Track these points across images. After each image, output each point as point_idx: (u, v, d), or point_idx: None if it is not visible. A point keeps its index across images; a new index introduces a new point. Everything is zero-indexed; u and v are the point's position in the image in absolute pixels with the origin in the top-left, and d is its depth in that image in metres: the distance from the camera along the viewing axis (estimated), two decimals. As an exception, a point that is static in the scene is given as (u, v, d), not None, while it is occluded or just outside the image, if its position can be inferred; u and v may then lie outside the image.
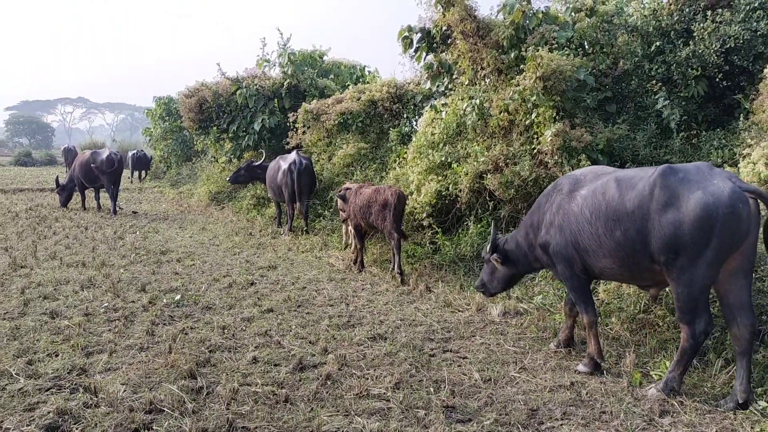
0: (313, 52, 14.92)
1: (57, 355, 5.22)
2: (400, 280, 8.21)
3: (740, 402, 4.36)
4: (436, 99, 11.76)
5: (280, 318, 6.52)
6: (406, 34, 10.85)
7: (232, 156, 16.16)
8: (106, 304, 6.81)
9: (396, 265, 8.38)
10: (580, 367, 5.16)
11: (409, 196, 9.56)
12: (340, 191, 10.61)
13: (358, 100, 12.48)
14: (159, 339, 5.73)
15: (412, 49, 10.98)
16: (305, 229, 11.81)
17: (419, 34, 10.82)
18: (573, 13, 9.63)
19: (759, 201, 4.37)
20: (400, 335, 5.95)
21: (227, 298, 7.27)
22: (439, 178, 9.16)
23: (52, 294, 7.20)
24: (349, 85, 15.40)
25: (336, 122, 12.23)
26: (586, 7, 9.45)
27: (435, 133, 9.87)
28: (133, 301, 7.01)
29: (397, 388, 4.67)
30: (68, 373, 4.84)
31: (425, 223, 9.15)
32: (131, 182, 25.84)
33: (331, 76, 15.70)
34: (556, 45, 8.83)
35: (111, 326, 6.08)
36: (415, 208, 9.31)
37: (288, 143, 13.52)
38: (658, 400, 4.49)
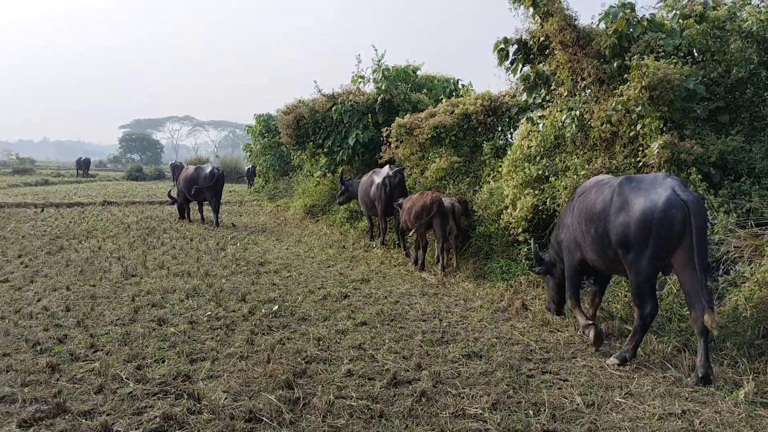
0: (406, 67, 15.04)
1: (164, 361, 5.46)
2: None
3: (700, 376, 5.00)
4: (532, 111, 11.49)
5: (373, 331, 6.52)
6: (502, 46, 10.70)
7: (326, 170, 16.51)
8: (209, 313, 7.08)
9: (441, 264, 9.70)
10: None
11: (504, 211, 9.38)
12: (398, 201, 10.87)
13: (452, 113, 12.40)
14: (258, 348, 5.87)
15: (508, 61, 10.81)
16: (398, 243, 11.83)
17: (515, 46, 10.65)
18: (681, 20, 9.15)
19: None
20: (495, 354, 5.79)
21: (322, 310, 7.36)
22: (536, 192, 8.91)
23: (159, 302, 7.57)
24: (442, 98, 15.38)
25: (429, 136, 12.21)
26: (695, 14, 8.94)
27: (531, 146, 9.62)
28: (234, 311, 7.25)
29: (495, 409, 4.52)
30: (174, 378, 5.04)
31: (521, 238, 8.93)
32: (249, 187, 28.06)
33: (424, 90, 15.76)
34: (663, 53, 8.39)
35: (213, 334, 6.30)
36: (510, 223, 9.11)
37: (381, 157, 13.64)
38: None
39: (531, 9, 9.79)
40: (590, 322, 6.11)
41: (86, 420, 4.27)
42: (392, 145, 13.15)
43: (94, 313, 7.00)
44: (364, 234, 13.79)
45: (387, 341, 6.17)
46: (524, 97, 11.44)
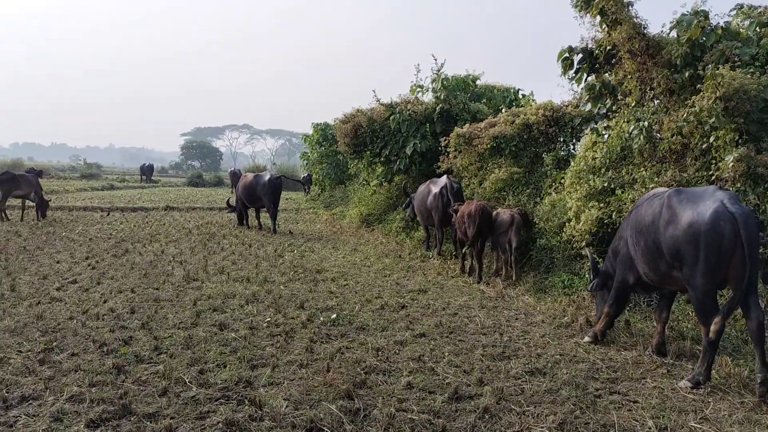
0: (466, 77, 14.92)
1: (225, 366, 5.50)
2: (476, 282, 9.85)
3: (760, 381, 4.91)
4: (596, 122, 11.20)
5: (432, 343, 6.42)
6: (566, 55, 10.47)
7: (383, 180, 16.53)
8: (269, 319, 7.13)
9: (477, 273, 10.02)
10: (585, 339, 6.61)
11: (567, 224, 9.14)
12: (453, 207, 10.80)
13: (512, 123, 12.21)
14: (317, 357, 5.85)
15: (572, 71, 10.57)
16: (455, 253, 11.70)
17: (580, 55, 10.40)
18: (758, 28, 8.75)
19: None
20: (560, 371, 5.59)
21: (380, 320, 7.31)
22: (601, 204, 8.64)
23: (220, 307, 7.68)
24: (502, 108, 15.19)
25: (488, 146, 12.05)
26: (773, 21, 8.54)
27: (596, 157, 9.36)
28: (293, 318, 7.28)
29: (561, 430, 4.36)
30: (235, 384, 5.08)
31: (584, 252, 8.68)
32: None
33: (483, 100, 15.61)
34: (739, 62, 8.03)
35: (273, 341, 6.33)
36: (573, 236, 8.86)
37: (439, 167, 13.55)
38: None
39: (598, 17, 9.55)
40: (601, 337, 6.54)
41: (151, 423, 4.33)
42: (450, 155, 13.04)
43: (158, 316, 7.15)
44: (420, 244, 13.71)
45: (447, 354, 6.06)
46: (588, 107, 11.15)
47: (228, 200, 17.96)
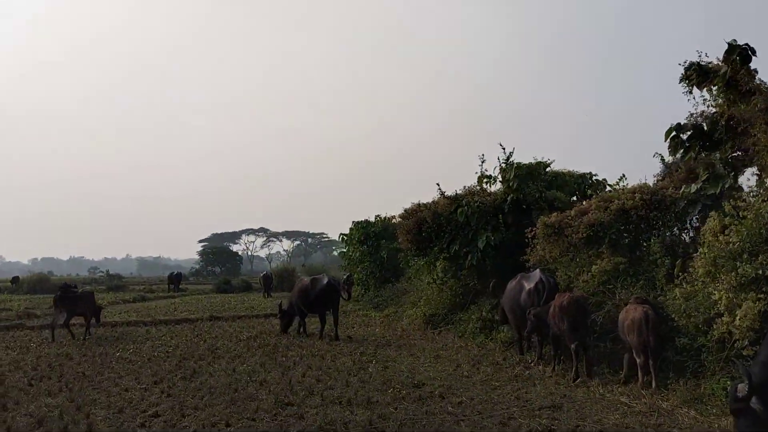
0: (537, 164, 14.20)
1: None
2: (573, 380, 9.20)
3: None
4: (706, 203, 10.28)
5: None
6: (674, 133, 9.67)
7: (450, 277, 15.43)
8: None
9: (573, 372, 9.35)
10: None
11: (716, 319, 7.96)
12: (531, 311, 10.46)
13: (605, 210, 11.26)
14: None
15: (682, 150, 9.74)
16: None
17: (690, 131, 9.60)
18: None
19: None
20: None
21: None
22: (760, 295, 7.51)
23: (341, 441, 6.44)
24: (576, 195, 14.34)
25: (584, 235, 11.04)
26: None
27: (733, 242, 8.31)
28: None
29: None
30: None
31: (746, 352, 7.45)
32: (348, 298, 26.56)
33: (554, 188, 14.78)
34: None
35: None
36: (727, 334, 7.67)
37: (527, 260, 12.50)
38: None
39: (713, 90, 8.82)
40: None
41: None
42: (538, 247, 12.02)
43: (277, 459, 5.91)
44: (506, 347, 12.44)
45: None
46: (693, 188, 10.26)
47: (280, 304, 16.81)
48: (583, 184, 14.34)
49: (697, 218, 10.57)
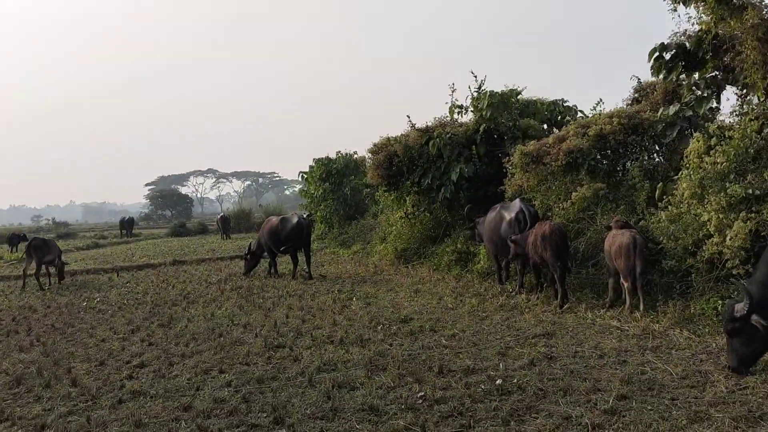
0: (510, 92, 13.84)
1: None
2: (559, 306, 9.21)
3: None
4: (686, 124, 10.24)
5: (652, 412, 5.12)
6: (657, 54, 9.45)
7: (425, 210, 15.21)
8: (422, 394, 5.73)
9: (560, 299, 9.30)
10: None
11: (706, 240, 8.01)
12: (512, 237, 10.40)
13: (583, 135, 11.13)
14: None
15: (665, 71, 9.55)
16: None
17: (673, 51, 9.40)
18: None
19: None
20: None
21: (547, 382, 5.99)
22: (751, 215, 7.54)
23: (349, 382, 6.26)
24: (547, 123, 14.17)
25: (563, 162, 10.91)
26: None
27: (719, 162, 8.29)
28: (445, 388, 5.88)
29: None
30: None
31: (736, 271, 7.54)
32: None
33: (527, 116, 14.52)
34: None
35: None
36: (720, 254, 7.73)
37: (504, 191, 12.35)
38: None
39: (701, 7, 8.58)
40: None
41: None
42: (516, 176, 11.86)
43: (286, 404, 5.68)
44: (483, 277, 12.44)
45: (685, 423, 4.77)
46: (671, 110, 10.18)
47: (250, 244, 16.34)
48: (555, 111, 14.14)
49: (675, 140, 10.55)
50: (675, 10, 9.07)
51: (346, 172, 25.16)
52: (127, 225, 40.36)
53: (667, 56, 9.50)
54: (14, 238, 27.59)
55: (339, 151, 25.65)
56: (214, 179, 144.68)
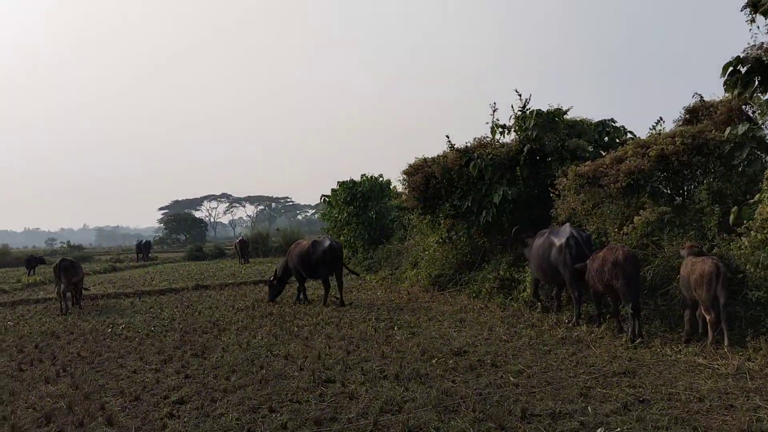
0: (556, 111, 13.20)
1: None
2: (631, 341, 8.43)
3: None
4: (754, 145, 9.56)
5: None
6: (731, 68, 8.79)
7: (464, 235, 14.47)
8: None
9: (630, 331, 8.58)
10: None
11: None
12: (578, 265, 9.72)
13: (643, 156, 10.44)
14: None
15: (741, 86, 8.88)
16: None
17: (749, 65, 8.73)
18: None
19: None
20: None
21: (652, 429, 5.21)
22: None
23: (419, 426, 5.51)
24: (593, 145, 13.50)
25: (624, 184, 10.20)
26: None
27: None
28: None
29: None
30: None
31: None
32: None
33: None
34: None
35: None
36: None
37: (554, 214, 11.64)
38: None
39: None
40: None
41: None
42: (569, 198, 11.15)
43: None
44: (529, 307, 11.67)
45: None
46: (740, 129, 9.51)
47: (276, 270, 15.66)
48: (603, 132, 13.47)
49: (744, 162, 9.85)
50: (753, 21, 8.44)
51: (371, 196, 24.56)
52: (144, 248, 39.81)
53: (743, 70, 8.83)
54: (32, 261, 27.06)
55: (364, 174, 25.12)
56: (228, 204, 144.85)
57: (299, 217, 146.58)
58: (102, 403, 6.53)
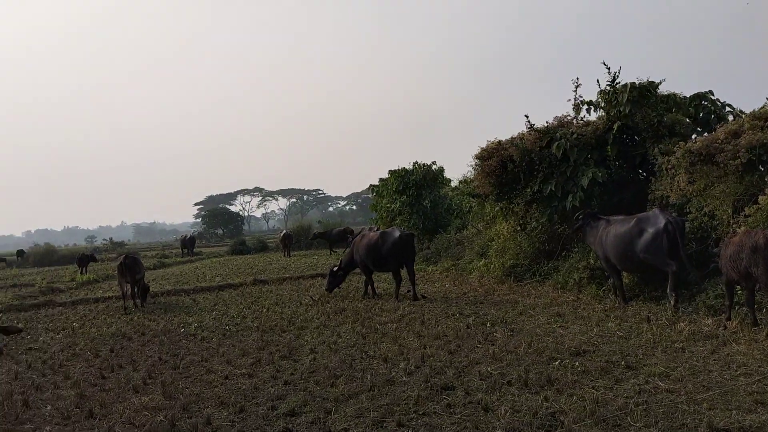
0: (649, 84, 12.10)
1: None
2: None
3: None
4: None
5: None
6: None
7: (547, 221, 13.52)
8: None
9: None
10: None
11: None
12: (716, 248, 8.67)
13: (762, 129, 9.37)
14: None
15: None
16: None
17: None
18: None
19: None
20: None
21: None
22: None
23: None
24: (689, 120, 12.39)
25: (745, 160, 9.16)
26: None
27: None
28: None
29: None
30: None
31: None
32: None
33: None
34: None
35: None
36: None
37: (665, 197, 10.63)
38: None
39: None
40: None
41: None
42: (679, 179, 10.13)
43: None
44: (630, 299, 10.72)
45: None
46: None
47: (340, 263, 14.97)
48: (699, 107, 12.35)
49: None
50: None
51: (424, 184, 23.70)
52: (189, 244, 39.64)
53: None
54: (84, 259, 26.88)
55: (416, 162, 24.24)
56: (261, 197, 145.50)
57: (330, 209, 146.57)
58: (207, 418, 5.83)
